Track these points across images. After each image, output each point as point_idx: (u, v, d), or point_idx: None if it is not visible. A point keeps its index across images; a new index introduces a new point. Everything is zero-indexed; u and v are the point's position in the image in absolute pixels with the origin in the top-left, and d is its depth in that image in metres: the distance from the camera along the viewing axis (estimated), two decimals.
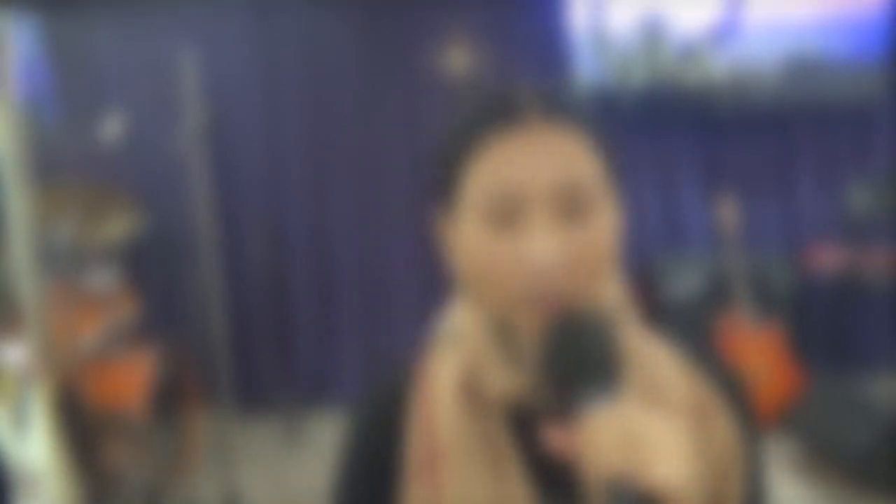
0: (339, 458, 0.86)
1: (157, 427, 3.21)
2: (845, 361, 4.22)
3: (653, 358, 0.79)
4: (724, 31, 4.16)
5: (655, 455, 0.61)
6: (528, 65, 4.34)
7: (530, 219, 0.72)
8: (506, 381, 0.77)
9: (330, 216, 4.46)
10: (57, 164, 3.42)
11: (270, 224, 4.41)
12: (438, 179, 0.79)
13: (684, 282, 4.15)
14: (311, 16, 4.36)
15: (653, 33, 4.20)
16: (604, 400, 0.66)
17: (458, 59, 4.30)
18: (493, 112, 0.75)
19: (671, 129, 4.38)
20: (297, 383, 4.37)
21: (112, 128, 4.10)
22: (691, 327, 4.01)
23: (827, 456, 3.31)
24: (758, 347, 3.82)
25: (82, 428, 2.84)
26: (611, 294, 0.80)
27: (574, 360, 0.69)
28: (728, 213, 3.96)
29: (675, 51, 4.21)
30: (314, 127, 4.41)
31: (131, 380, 3.15)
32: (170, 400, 3.32)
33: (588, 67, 4.24)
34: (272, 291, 4.43)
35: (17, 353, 2.59)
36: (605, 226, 0.74)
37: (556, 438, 0.68)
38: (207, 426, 3.48)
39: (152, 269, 4.12)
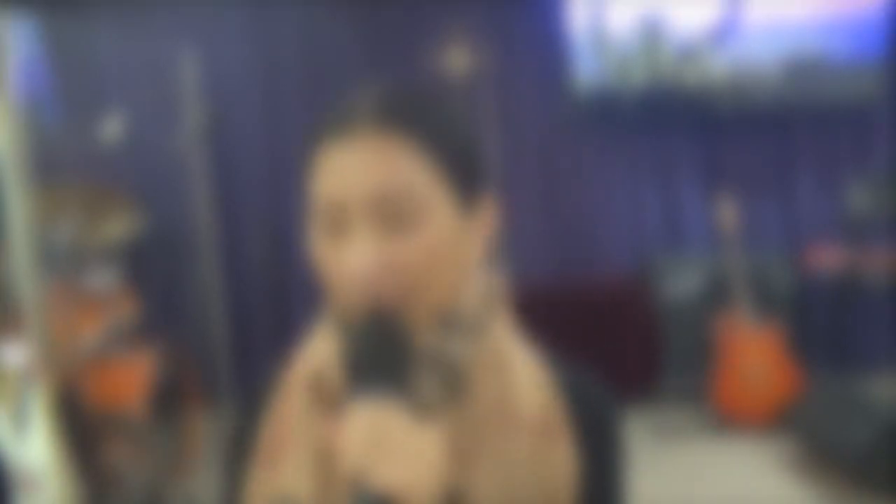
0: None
1: (157, 427, 3.21)
2: (845, 361, 4.22)
3: (510, 370, 0.78)
4: (724, 31, 4.16)
5: (394, 457, 0.63)
6: (527, 65, 4.34)
7: (352, 227, 0.73)
8: (343, 388, 0.77)
9: None
10: (57, 164, 3.42)
11: (270, 224, 4.41)
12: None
13: (684, 282, 4.15)
14: (310, 16, 4.36)
15: (652, 33, 4.20)
16: (371, 400, 0.67)
17: (457, 59, 4.30)
18: (330, 121, 0.77)
19: (671, 130, 4.38)
20: None
21: (112, 128, 4.10)
22: (690, 327, 4.02)
23: (826, 456, 3.31)
24: (758, 347, 3.82)
25: (82, 428, 2.84)
26: (468, 299, 0.79)
27: (359, 357, 0.71)
28: (728, 213, 3.96)
29: (675, 51, 4.21)
30: (314, 127, 4.41)
31: (131, 380, 3.15)
32: (170, 400, 3.32)
33: (588, 67, 4.24)
34: (272, 291, 4.43)
35: (16, 353, 2.60)
36: (434, 235, 0.74)
37: (327, 429, 0.69)
38: (207, 426, 3.47)
39: (152, 269, 4.11)
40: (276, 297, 4.44)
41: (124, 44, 4.31)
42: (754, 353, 3.81)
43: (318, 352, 0.82)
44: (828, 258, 4.06)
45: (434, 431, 0.67)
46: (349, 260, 0.73)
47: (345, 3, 4.35)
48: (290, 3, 4.35)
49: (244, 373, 4.10)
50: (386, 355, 0.71)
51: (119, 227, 3.62)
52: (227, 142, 4.09)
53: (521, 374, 0.79)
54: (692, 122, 4.36)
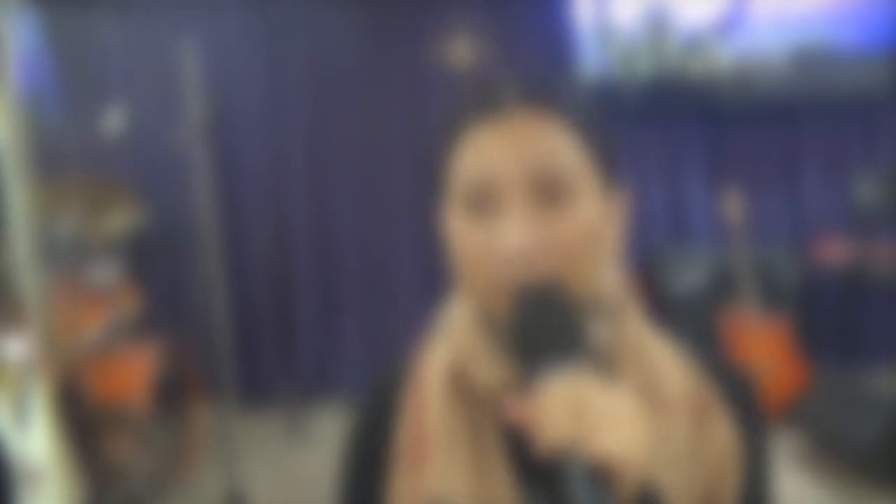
0: (341, 450, 0.87)
1: (160, 421, 3.21)
2: (851, 354, 4.20)
3: (652, 353, 0.79)
4: (730, 23, 4.13)
5: (603, 425, 0.61)
6: (532, 57, 4.31)
7: (506, 205, 0.72)
8: (492, 372, 0.77)
9: (332, 209, 4.45)
10: (59, 157, 3.41)
11: (273, 217, 4.40)
12: (435, 171, 0.80)
13: (690, 275, 4.13)
14: (313, 8, 4.34)
15: (658, 25, 4.17)
16: (559, 372, 0.66)
17: (461, 51, 4.27)
18: (476, 102, 0.76)
19: (676, 122, 4.35)
20: (300, 376, 4.36)
21: (114, 121, 4.09)
22: (697, 321, 3.99)
23: (833, 449, 3.29)
24: (764, 341, 3.80)
25: (84, 422, 2.84)
26: (607, 285, 0.79)
27: (534, 332, 0.69)
28: (734, 205, 3.93)
29: (681, 42, 4.18)
30: (316, 120, 4.39)
31: (133, 374, 3.14)
32: (172, 393, 3.31)
33: (593, 59, 4.21)
34: (275, 285, 4.42)
35: (18, 347, 2.58)
36: (585, 215, 0.74)
37: (511, 410, 0.67)
38: (210, 420, 3.47)
39: (155, 262, 4.10)
40: (278, 291, 4.43)
41: (126, 37, 4.30)
42: (761, 346, 3.79)
43: (457, 347, 0.80)
44: (834, 251, 4.03)
45: (630, 398, 0.65)
46: (505, 236, 0.71)
47: None
48: None
49: (247, 367, 4.09)
50: (563, 325, 0.69)
51: (121, 220, 3.62)
52: (229, 135, 4.08)
53: (663, 358, 0.79)
54: (698, 115, 4.33)
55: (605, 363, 0.76)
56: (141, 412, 3.07)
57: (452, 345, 0.81)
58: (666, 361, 0.79)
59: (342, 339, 4.49)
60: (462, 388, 0.78)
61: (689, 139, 4.37)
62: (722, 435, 0.76)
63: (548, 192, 0.72)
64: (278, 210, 4.42)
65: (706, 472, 0.75)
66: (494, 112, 0.74)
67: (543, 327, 0.69)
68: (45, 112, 4.09)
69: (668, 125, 4.35)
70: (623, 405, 0.64)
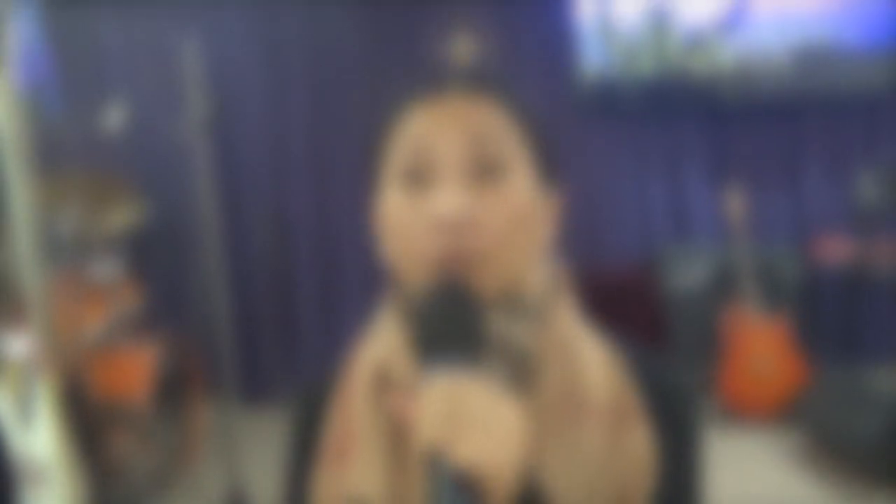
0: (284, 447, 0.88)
1: (162, 417, 3.20)
2: (853, 353, 4.20)
3: (577, 356, 0.78)
4: (732, 20, 4.12)
5: (475, 431, 0.61)
6: (534, 54, 4.30)
7: (441, 178, 0.74)
8: (411, 372, 0.76)
9: (334, 205, 4.44)
10: (60, 152, 3.40)
11: (275, 213, 4.39)
12: (370, 159, 0.82)
13: (691, 273, 4.12)
14: (314, 3, 4.33)
15: (660, 22, 4.16)
16: (447, 372, 0.65)
17: (462, 46, 4.26)
18: (419, 86, 0.79)
19: (678, 119, 4.35)
20: (301, 373, 4.36)
21: (115, 116, 4.07)
22: (698, 318, 3.99)
23: (834, 448, 3.29)
24: (765, 339, 3.80)
25: (87, 418, 2.83)
26: (534, 281, 0.79)
27: (435, 326, 0.69)
28: (735, 203, 3.93)
29: (683, 40, 4.17)
30: (318, 115, 4.38)
31: (135, 370, 3.14)
32: (174, 390, 3.31)
33: (594, 56, 4.21)
34: (277, 281, 4.41)
35: (20, 344, 2.58)
36: (518, 197, 0.75)
37: (395, 405, 0.67)
38: (212, 416, 3.47)
39: (156, 258, 4.10)
40: (280, 287, 4.42)
41: (127, 31, 4.29)
42: (761, 344, 3.79)
43: (383, 343, 0.81)
44: (836, 249, 4.03)
45: (513, 404, 0.65)
46: (436, 205, 0.72)
47: None
48: None
49: (248, 363, 4.09)
50: (461, 325, 0.69)
51: (122, 216, 3.61)
52: (230, 130, 4.06)
53: (589, 361, 0.78)
54: (700, 112, 4.32)
55: (526, 364, 0.75)
56: (143, 409, 3.06)
57: (379, 344, 0.82)
58: (592, 365, 0.77)
59: (344, 335, 4.48)
60: (385, 388, 0.78)
61: (691, 137, 4.37)
62: (638, 444, 0.75)
63: (483, 169, 0.74)
64: (280, 206, 4.42)
65: (617, 480, 0.74)
66: (436, 94, 0.76)
67: (444, 322, 0.69)
68: (46, 107, 4.08)
69: (669, 123, 4.34)
70: (504, 412, 0.63)
